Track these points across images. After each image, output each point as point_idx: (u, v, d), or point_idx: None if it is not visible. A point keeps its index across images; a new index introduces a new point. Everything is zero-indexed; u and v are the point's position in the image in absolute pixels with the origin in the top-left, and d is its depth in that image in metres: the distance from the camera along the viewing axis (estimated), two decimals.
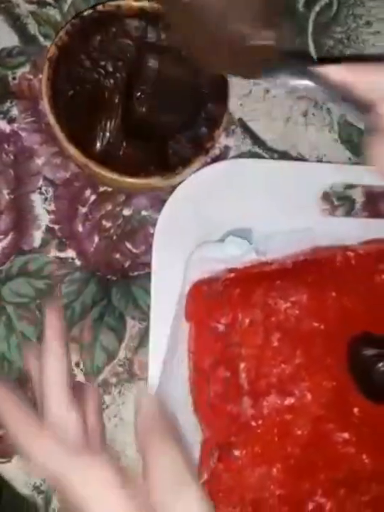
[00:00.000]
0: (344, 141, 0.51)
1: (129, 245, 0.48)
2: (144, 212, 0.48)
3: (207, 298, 0.43)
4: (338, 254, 0.45)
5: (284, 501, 0.41)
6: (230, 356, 0.43)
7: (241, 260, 0.43)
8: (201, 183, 0.45)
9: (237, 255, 0.43)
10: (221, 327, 0.43)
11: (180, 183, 0.45)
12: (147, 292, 0.45)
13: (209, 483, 0.40)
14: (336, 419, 0.42)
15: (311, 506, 0.41)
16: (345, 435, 0.42)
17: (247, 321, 0.44)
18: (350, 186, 0.50)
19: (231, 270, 0.43)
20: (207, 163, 0.46)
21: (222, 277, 0.43)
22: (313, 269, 0.45)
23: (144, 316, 0.45)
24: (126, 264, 0.47)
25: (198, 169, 0.45)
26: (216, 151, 0.49)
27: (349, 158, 0.51)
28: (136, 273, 0.47)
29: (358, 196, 0.50)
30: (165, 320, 0.44)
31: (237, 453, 0.41)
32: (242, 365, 0.43)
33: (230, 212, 0.46)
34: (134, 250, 0.47)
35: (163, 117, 0.45)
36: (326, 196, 0.49)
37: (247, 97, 0.51)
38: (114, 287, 0.47)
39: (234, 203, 0.46)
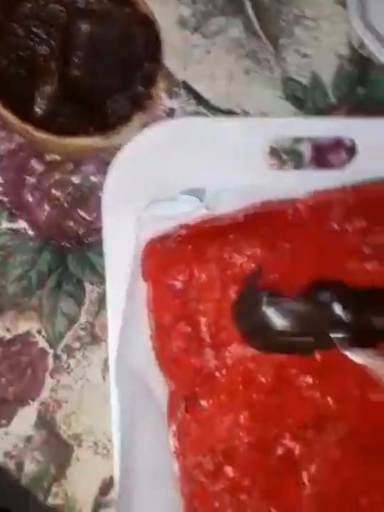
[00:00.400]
0: (288, 96, 0.52)
1: (81, 212, 0.48)
2: (93, 179, 0.48)
3: (161, 256, 0.43)
4: (288, 207, 0.46)
5: (254, 448, 0.41)
6: (189, 312, 0.43)
7: (192, 216, 0.43)
8: (146, 144, 0.45)
9: (187, 212, 0.43)
10: (178, 284, 0.43)
11: (124, 144, 0.44)
12: (103, 257, 0.45)
13: (178, 434, 0.41)
14: (298, 364, 0.43)
15: (280, 451, 0.41)
16: (309, 379, 0.43)
17: (203, 276, 0.44)
18: (298, 140, 0.50)
19: (182, 226, 0.43)
20: (150, 125, 0.46)
21: (174, 234, 0.43)
22: (264, 222, 0.45)
23: (102, 280, 0.45)
24: (81, 231, 0.47)
25: (139, 129, 0.45)
26: (161, 114, 0.50)
27: (294, 114, 0.51)
28: (90, 239, 0.47)
29: (306, 149, 0.51)
30: (121, 281, 0.44)
31: (203, 403, 0.41)
32: (202, 320, 0.43)
33: (178, 172, 0.46)
34: (87, 217, 0.47)
35: (100, 79, 0.45)
36: (274, 152, 0.50)
37: (188, 59, 0.51)
38: (69, 254, 0.47)
39: (182, 162, 0.46)
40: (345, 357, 0.43)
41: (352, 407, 0.43)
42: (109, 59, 0.44)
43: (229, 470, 0.41)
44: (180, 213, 0.44)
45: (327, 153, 0.50)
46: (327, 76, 0.52)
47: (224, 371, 0.42)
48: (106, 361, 0.44)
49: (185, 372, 0.42)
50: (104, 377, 0.44)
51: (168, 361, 0.42)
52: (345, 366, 0.43)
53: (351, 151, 0.49)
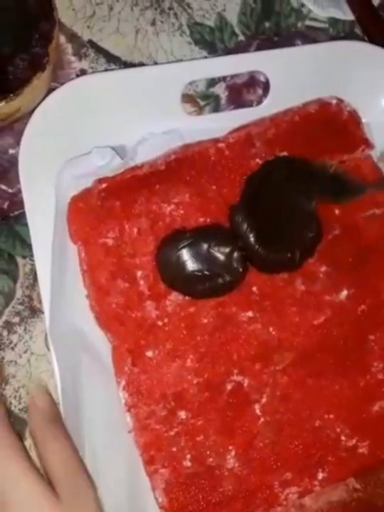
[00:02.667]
0: (197, 41, 0.51)
1: (3, 186, 0.47)
2: (11, 151, 0.47)
3: (88, 215, 0.43)
4: (209, 147, 0.46)
5: (204, 388, 0.42)
6: (125, 268, 0.43)
7: (110, 169, 0.43)
8: (55, 107, 0.44)
9: (103, 165, 0.43)
10: (110, 241, 0.44)
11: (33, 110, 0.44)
12: None
13: (128, 388, 0.41)
14: (237, 300, 0.44)
15: (229, 386, 0.43)
16: (249, 313, 0.44)
17: (134, 230, 0.44)
18: (212, 83, 0.50)
19: (101, 180, 0.43)
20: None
21: (96, 190, 0.42)
22: (188, 166, 0.45)
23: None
24: (5, 206, 0.47)
25: (45, 92, 0.44)
26: (73, 76, 0.49)
27: (205, 57, 0.51)
28: (16, 212, 0.47)
29: (222, 91, 0.51)
30: (49, 249, 0.43)
31: (149, 354, 0.42)
32: (139, 274, 0.44)
33: (94, 131, 0.45)
34: (10, 190, 0.47)
35: None
36: (191, 98, 0.49)
37: (92, 18, 0.50)
38: None
39: (96, 121, 0.46)
40: (282, 286, 0.44)
41: (295, 334, 0.44)
42: (2, 24, 0.43)
43: (182, 413, 0.42)
44: (97, 167, 0.43)
45: (243, 92, 0.50)
46: (232, 15, 0.51)
47: (166, 320, 0.43)
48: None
49: (127, 327, 0.42)
50: (48, 348, 0.45)
51: (108, 318, 0.42)
52: (283, 295, 0.44)
53: (266, 86, 0.48)
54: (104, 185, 0.42)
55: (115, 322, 0.42)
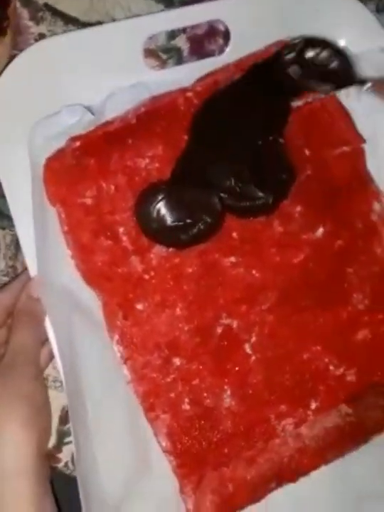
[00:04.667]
0: None
1: None
2: None
3: (64, 176, 0.43)
4: (178, 97, 0.46)
5: (195, 333, 0.43)
6: (106, 225, 0.44)
7: (81, 126, 0.43)
8: (18, 73, 0.44)
9: (74, 123, 0.43)
10: (89, 201, 0.44)
11: None
12: None
13: (122, 341, 0.42)
14: (219, 247, 0.45)
15: (219, 329, 0.44)
16: (232, 259, 0.45)
17: (112, 187, 0.44)
18: (173, 36, 0.50)
19: (74, 138, 0.43)
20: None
21: (69, 148, 0.43)
22: (158, 118, 0.45)
23: (13, 223, 0.44)
24: None
25: (7, 58, 0.44)
26: (31, 42, 0.48)
27: (162, 10, 0.51)
28: None
29: (183, 43, 0.51)
30: (29, 217, 0.44)
31: (139, 307, 0.43)
32: (120, 230, 0.44)
33: (59, 94, 0.45)
34: None
35: None
36: (153, 53, 0.49)
37: None
38: None
39: (62, 83, 0.46)
40: (261, 229, 0.45)
41: (277, 274, 0.45)
42: None
43: (176, 360, 0.43)
44: (69, 126, 0.43)
45: (204, 43, 0.51)
46: None
47: (152, 273, 0.44)
48: None
49: (114, 282, 0.43)
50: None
51: (95, 276, 0.43)
52: (262, 238, 0.45)
53: (226, 34, 0.49)
54: (77, 144, 0.43)
55: (102, 279, 0.43)
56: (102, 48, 0.46)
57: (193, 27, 0.50)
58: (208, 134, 0.45)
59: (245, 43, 0.47)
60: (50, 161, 0.43)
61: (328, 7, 0.48)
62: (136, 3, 0.51)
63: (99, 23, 0.50)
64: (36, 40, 0.49)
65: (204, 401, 0.43)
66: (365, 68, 0.48)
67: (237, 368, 0.44)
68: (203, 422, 0.42)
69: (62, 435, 0.47)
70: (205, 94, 0.46)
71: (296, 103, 0.48)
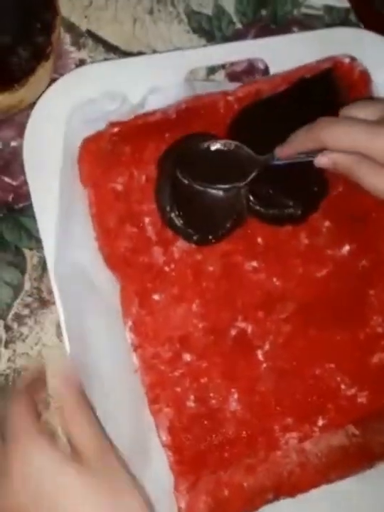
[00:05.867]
0: (195, 30, 0.51)
1: (7, 179, 0.47)
2: (13, 143, 0.47)
3: (99, 159, 0.43)
4: (219, 100, 0.46)
5: (209, 332, 0.43)
6: (133, 213, 0.44)
7: (119, 114, 0.43)
8: (58, 96, 0.44)
9: (114, 109, 0.43)
10: (119, 187, 0.44)
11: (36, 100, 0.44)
12: (36, 221, 0.44)
13: (135, 329, 0.42)
14: (242, 250, 0.44)
15: (234, 332, 0.43)
16: (254, 263, 0.44)
17: (143, 177, 0.45)
18: (212, 71, 0.50)
19: (114, 124, 0.43)
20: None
21: (108, 133, 0.43)
22: (197, 117, 0.46)
23: (40, 245, 0.44)
24: (10, 198, 0.47)
25: (47, 82, 0.45)
26: (72, 66, 0.49)
27: (204, 45, 0.51)
28: (21, 205, 0.47)
29: (222, 79, 0.50)
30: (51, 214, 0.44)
31: (156, 297, 0.43)
32: (146, 220, 0.44)
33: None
34: (14, 183, 0.47)
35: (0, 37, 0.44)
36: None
37: (89, 8, 0.50)
38: (3, 223, 0.46)
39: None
40: (287, 239, 0.45)
41: (298, 285, 0.45)
42: (4, 14, 0.43)
43: (187, 356, 0.42)
44: (107, 112, 0.44)
45: (242, 80, 0.50)
46: (229, 3, 0.51)
47: (173, 265, 0.44)
48: (58, 323, 0.43)
49: (135, 269, 0.43)
50: (59, 338, 0.45)
51: (117, 260, 0.43)
52: (287, 247, 0.45)
53: (265, 73, 0.49)
54: (116, 129, 0.43)
55: (123, 264, 0.43)
56: (143, 79, 0.46)
57: (232, 63, 0.50)
58: (244, 140, 0.45)
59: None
60: (87, 142, 0.43)
61: (366, 50, 0.48)
62: (178, 35, 0.51)
63: (141, 53, 0.50)
64: (76, 66, 0.49)
65: (209, 401, 0.42)
66: None
67: (246, 373, 0.43)
68: (205, 421, 0.41)
69: None
70: (246, 100, 0.46)
71: None
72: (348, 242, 0.46)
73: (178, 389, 0.41)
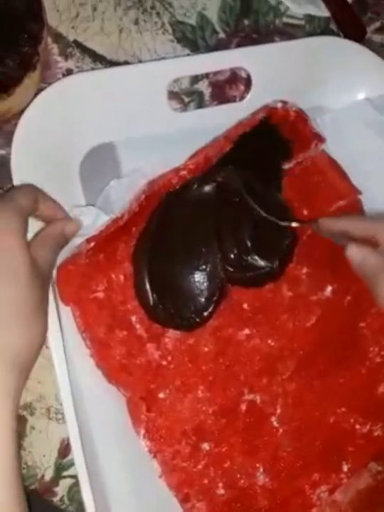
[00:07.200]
0: (180, 39, 0.51)
1: None
2: (1, 152, 0.47)
3: (77, 275, 0.42)
4: (172, 178, 0.45)
5: (220, 415, 0.43)
6: (119, 316, 0.44)
7: (95, 227, 0.42)
8: (46, 105, 0.43)
9: (90, 224, 0.42)
10: (101, 295, 0.43)
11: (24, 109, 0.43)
12: None
13: (149, 434, 0.42)
14: (231, 321, 0.45)
15: (244, 406, 0.44)
16: (246, 331, 0.45)
17: (121, 277, 0.44)
18: (195, 80, 0.50)
19: (90, 240, 0.42)
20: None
21: (84, 250, 0.42)
22: (156, 202, 0.45)
23: None
24: None
25: (34, 92, 0.44)
26: (59, 76, 0.49)
27: (188, 54, 0.51)
28: None
29: (205, 88, 0.51)
30: None
31: (161, 395, 0.43)
32: (133, 318, 0.44)
33: (85, 128, 0.45)
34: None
35: None
36: (176, 95, 0.50)
37: (76, 19, 0.50)
38: None
39: (86, 118, 0.45)
40: (271, 297, 0.45)
41: (292, 340, 0.45)
42: None
43: (205, 445, 0.43)
44: (84, 228, 0.43)
45: (225, 89, 0.51)
46: (212, 13, 0.52)
47: (169, 358, 0.44)
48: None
49: (135, 375, 0.43)
50: (46, 345, 0.42)
51: (115, 371, 0.43)
52: (273, 304, 0.45)
53: (248, 81, 0.49)
54: (92, 244, 0.42)
55: (123, 373, 0.42)
56: (128, 88, 0.46)
57: (215, 72, 0.51)
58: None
59: (266, 91, 0.48)
60: (65, 264, 0.42)
61: (347, 58, 0.49)
62: (163, 45, 0.51)
63: (126, 62, 0.50)
64: (64, 75, 0.49)
65: (238, 482, 0.43)
66: (352, 121, 0.48)
67: (266, 444, 0.44)
68: (239, 504, 0.42)
69: (60, 469, 0.46)
70: (197, 170, 0.46)
71: (287, 165, 0.47)
72: (329, 282, 0.47)
73: (206, 481, 0.42)
